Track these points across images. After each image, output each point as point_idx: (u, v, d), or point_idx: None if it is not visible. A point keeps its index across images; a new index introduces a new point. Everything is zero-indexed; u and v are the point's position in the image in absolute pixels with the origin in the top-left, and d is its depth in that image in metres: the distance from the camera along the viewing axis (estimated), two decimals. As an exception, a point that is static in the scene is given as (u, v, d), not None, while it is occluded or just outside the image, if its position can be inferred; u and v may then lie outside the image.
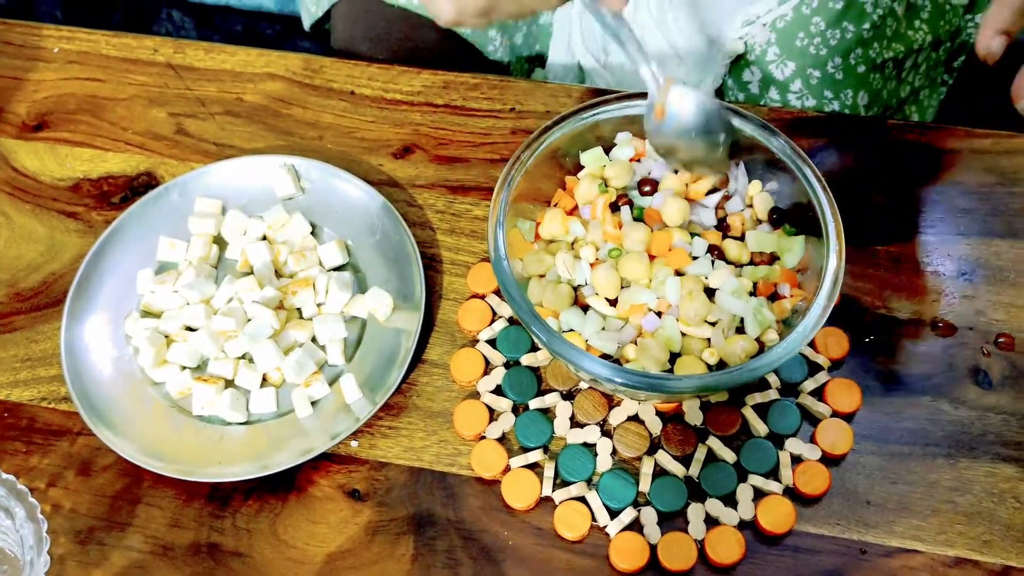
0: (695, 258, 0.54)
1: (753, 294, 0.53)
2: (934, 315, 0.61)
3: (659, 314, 0.53)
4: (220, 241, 0.64)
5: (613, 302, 0.54)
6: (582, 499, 0.55)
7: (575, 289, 0.55)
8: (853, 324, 0.60)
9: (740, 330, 0.53)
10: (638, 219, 0.55)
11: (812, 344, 0.59)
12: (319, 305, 0.61)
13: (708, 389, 0.49)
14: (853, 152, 0.67)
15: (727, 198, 0.57)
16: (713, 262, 0.54)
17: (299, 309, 0.61)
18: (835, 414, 0.57)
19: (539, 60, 0.80)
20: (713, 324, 0.52)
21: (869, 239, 0.64)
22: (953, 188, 0.65)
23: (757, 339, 0.52)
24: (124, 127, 0.70)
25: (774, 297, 0.54)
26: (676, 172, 0.56)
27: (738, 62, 0.74)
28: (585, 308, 0.54)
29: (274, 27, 1.02)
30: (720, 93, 0.76)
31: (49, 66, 0.74)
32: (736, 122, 0.56)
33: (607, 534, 0.54)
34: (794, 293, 0.54)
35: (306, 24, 0.86)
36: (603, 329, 0.53)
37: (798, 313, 0.52)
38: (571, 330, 0.53)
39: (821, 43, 0.72)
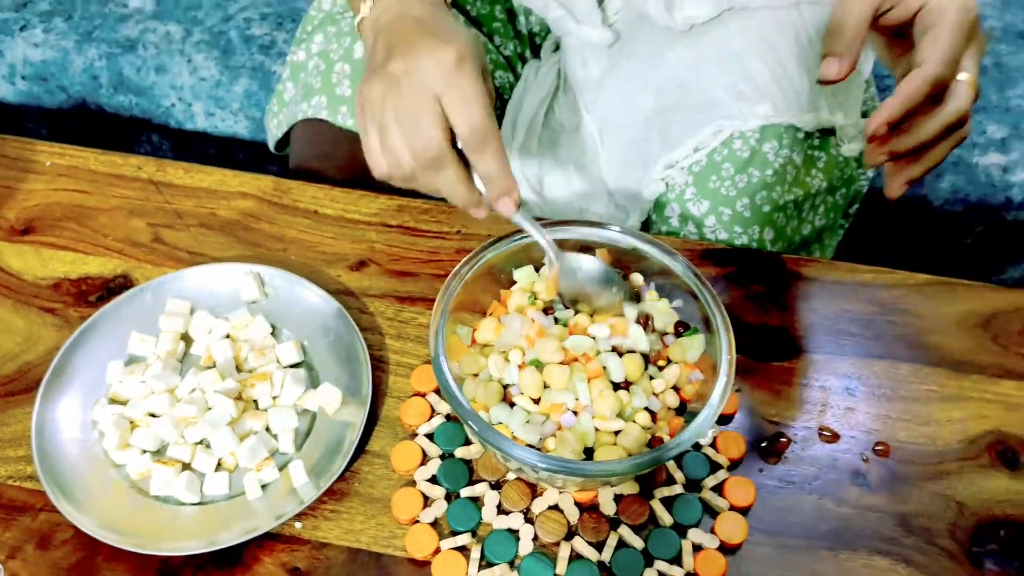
0: (599, 352, 0.62)
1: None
2: (820, 423, 0.69)
3: (575, 412, 0.60)
4: (187, 338, 0.71)
5: (537, 400, 0.61)
6: (505, 580, 0.60)
7: (504, 388, 0.62)
8: (750, 429, 0.68)
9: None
10: (561, 324, 0.63)
11: (714, 445, 0.67)
12: (274, 398, 0.67)
13: (616, 473, 0.56)
14: (754, 281, 0.77)
15: (646, 319, 0.65)
16: (619, 353, 0.62)
17: (255, 401, 0.67)
18: (732, 508, 0.64)
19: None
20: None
21: (766, 356, 0.72)
22: (840, 315, 0.75)
23: (655, 435, 0.60)
24: (105, 234, 0.78)
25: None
26: (574, 311, 0.66)
27: (661, 199, 0.85)
28: (512, 404, 0.61)
29: (246, 152, 1.12)
30: (646, 226, 0.86)
31: (40, 178, 0.81)
32: (647, 248, 0.66)
33: (526, 613, 0.59)
34: (697, 381, 0.62)
35: (271, 145, 0.96)
36: (527, 423, 0.60)
37: (696, 414, 0.60)
38: (500, 423, 0.60)
39: (731, 185, 0.83)
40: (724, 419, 0.69)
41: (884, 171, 0.66)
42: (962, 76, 0.61)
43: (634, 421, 0.60)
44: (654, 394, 0.62)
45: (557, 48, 0.90)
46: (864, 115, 0.93)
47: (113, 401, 0.67)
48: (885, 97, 1.11)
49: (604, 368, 0.61)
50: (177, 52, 1.07)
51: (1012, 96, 1.07)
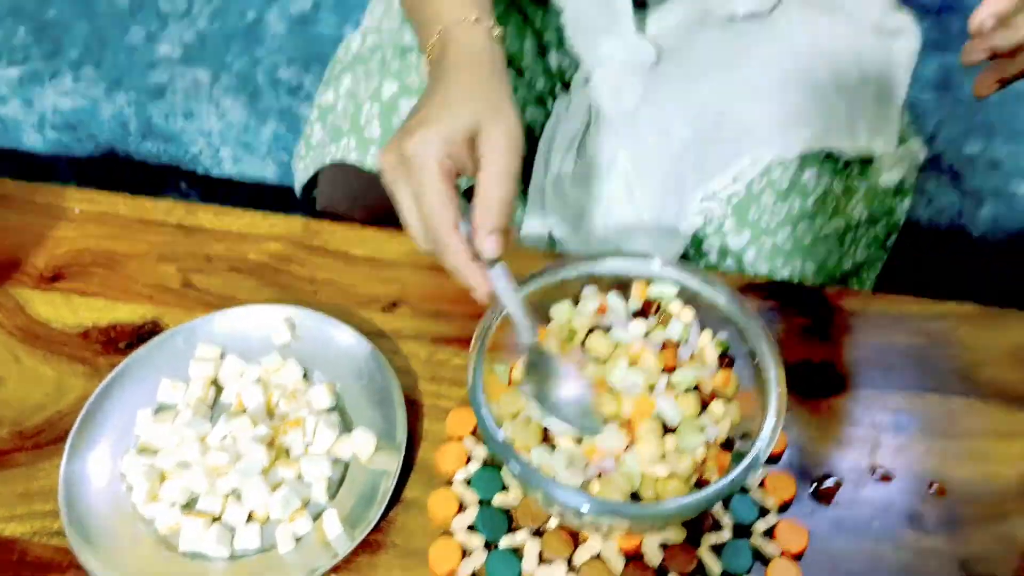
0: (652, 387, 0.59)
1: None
2: (873, 462, 0.66)
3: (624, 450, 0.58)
4: (218, 384, 0.69)
5: (579, 441, 0.59)
6: (549, 633, 0.58)
7: (545, 428, 0.60)
8: (799, 469, 0.65)
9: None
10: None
11: (762, 486, 0.64)
12: (307, 445, 0.66)
13: (663, 516, 0.53)
14: (797, 315, 0.74)
15: (677, 346, 0.63)
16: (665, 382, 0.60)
17: (287, 449, 0.65)
18: (784, 554, 0.61)
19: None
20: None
21: (812, 392, 0.70)
22: (887, 348, 0.73)
23: (702, 477, 0.57)
24: (135, 280, 0.77)
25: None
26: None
27: (698, 234, 0.83)
28: (554, 446, 0.59)
29: (275, 197, 1.12)
30: (683, 260, 0.84)
31: (70, 225, 0.81)
32: (689, 280, 0.64)
33: (573, 668, 0.57)
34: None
35: (297, 189, 0.95)
36: (570, 465, 0.58)
37: (743, 455, 0.57)
38: (541, 465, 0.58)
39: (771, 216, 0.81)
40: (772, 459, 0.66)
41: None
42: None
43: (681, 461, 0.58)
44: (700, 429, 0.59)
45: (587, 82, 0.89)
46: (901, 142, 0.91)
47: (143, 451, 0.65)
48: (921, 125, 1.08)
49: (654, 410, 0.59)
50: (205, 97, 1.08)
51: (1050, 122, 1.05)
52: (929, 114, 1.11)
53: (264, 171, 1.10)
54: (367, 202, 0.86)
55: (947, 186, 1.03)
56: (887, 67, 0.92)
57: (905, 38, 0.96)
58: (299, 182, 0.93)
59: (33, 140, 1.13)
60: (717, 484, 0.55)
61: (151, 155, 1.12)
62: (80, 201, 0.83)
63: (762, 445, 0.56)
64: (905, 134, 0.94)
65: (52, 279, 0.77)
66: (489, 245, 0.58)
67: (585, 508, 0.53)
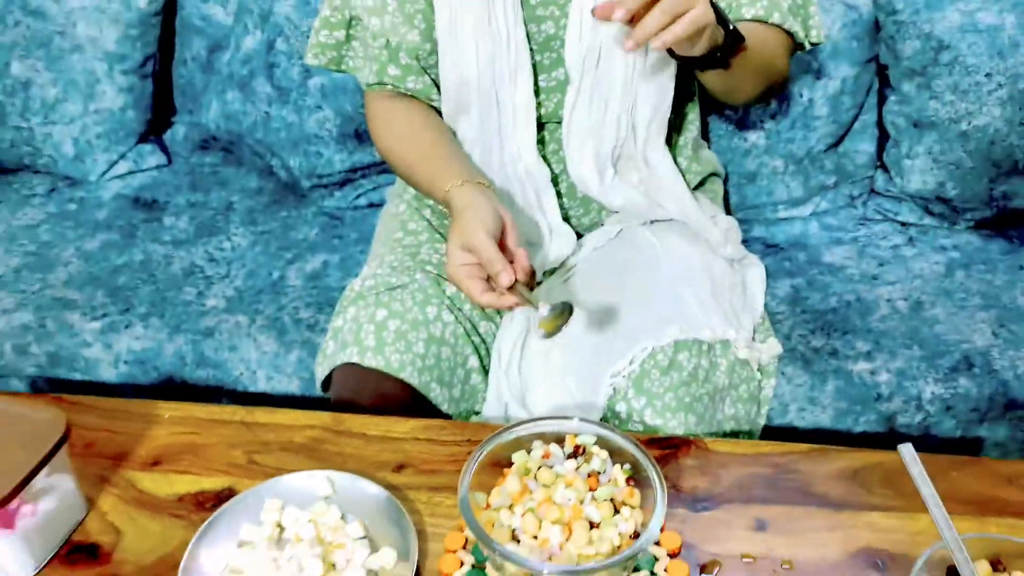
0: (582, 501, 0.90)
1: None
2: (743, 551, 0.95)
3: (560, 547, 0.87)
4: (281, 526, 0.97)
5: (535, 537, 0.88)
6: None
7: (512, 530, 0.89)
8: (691, 559, 0.94)
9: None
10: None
11: (667, 571, 0.92)
12: (348, 561, 0.93)
13: (587, 572, 0.82)
14: (685, 457, 1.06)
15: (598, 474, 0.94)
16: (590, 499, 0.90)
17: (334, 563, 0.93)
18: (682, 611, 0.89)
19: (475, 411, 1.22)
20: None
21: (698, 508, 1.00)
22: (750, 476, 1.03)
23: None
24: (213, 460, 1.07)
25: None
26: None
27: (610, 402, 1.16)
28: (518, 541, 0.88)
29: (297, 406, 1.43)
30: (604, 420, 1.17)
31: (162, 426, 1.11)
32: (602, 432, 0.96)
33: None
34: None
35: (317, 386, 1.26)
36: (531, 553, 0.87)
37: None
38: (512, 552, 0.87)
39: (659, 385, 1.15)
40: (674, 555, 0.95)
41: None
42: None
43: (603, 546, 0.87)
44: (615, 525, 0.89)
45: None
46: (764, 340, 1.28)
47: (232, 572, 0.93)
48: (778, 329, 1.46)
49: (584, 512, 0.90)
50: (245, 335, 1.42)
51: (871, 320, 1.43)
52: (784, 320, 1.50)
53: (290, 387, 1.42)
54: (367, 392, 1.18)
55: (800, 369, 1.40)
56: (741, 286, 1.31)
57: (754, 268, 1.37)
58: (319, 380, 1.25)
59: (108, 373, 1.45)
60: (621, 554, 0.84)
61: (201, 379, 1.44)
62: (168, 410, 1.14)
63: (649, 533, 0.86)
64: (766, 334, 1.31)
65: (153, 464, 1.06)
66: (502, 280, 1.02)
67: (546, 571, 0.82)
